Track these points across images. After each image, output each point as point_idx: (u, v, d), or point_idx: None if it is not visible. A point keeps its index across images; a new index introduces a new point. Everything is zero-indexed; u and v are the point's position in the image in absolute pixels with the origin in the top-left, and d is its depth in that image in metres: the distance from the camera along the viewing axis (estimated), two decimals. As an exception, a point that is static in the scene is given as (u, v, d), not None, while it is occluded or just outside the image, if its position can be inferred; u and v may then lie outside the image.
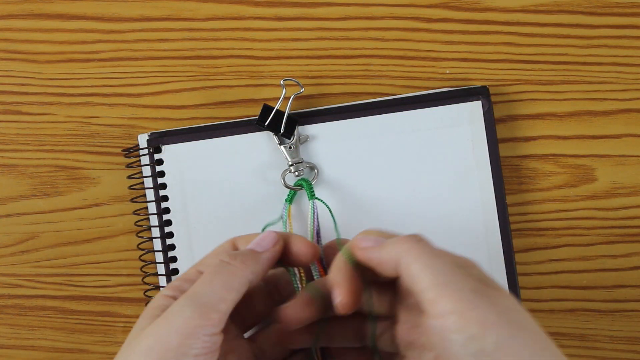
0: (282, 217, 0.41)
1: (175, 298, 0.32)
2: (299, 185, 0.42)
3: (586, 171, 0.45)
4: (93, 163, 0.46)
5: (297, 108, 0.45)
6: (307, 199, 0.41)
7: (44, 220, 0.47)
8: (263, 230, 0.37)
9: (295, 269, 0.36)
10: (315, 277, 0.37)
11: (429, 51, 0.45)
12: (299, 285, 0.36)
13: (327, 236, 0.43)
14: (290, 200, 0.42)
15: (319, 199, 0.42)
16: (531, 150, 0.45)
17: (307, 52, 0.45)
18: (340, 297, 0.32)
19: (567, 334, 0.45)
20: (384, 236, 0.33)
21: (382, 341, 0.35)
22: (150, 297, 0.44)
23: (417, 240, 0.30)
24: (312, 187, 0.42)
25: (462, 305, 0.27)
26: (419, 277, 0.29)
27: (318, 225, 0.40)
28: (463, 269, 0.29)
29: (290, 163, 0.42)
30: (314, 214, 0.40)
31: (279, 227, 0.41)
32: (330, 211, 0.41)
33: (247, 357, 0.34)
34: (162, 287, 0.44)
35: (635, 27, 0.44)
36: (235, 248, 0.36)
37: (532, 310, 0.44)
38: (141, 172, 0.45)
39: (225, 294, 0.31)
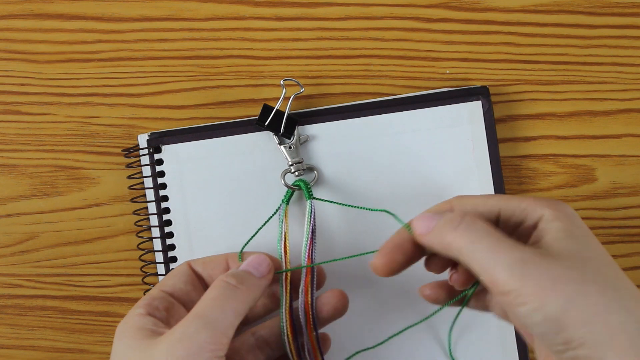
0: (278, 218, 0.41)
1: (150, 315, 0.34)
2: (296, 186, 0.42)
3: (586, 171, 0.45)
4: (93, 163, 0.46)
5: (297, 108, 0.45)
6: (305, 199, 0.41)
7: (44, 220, 0.47)
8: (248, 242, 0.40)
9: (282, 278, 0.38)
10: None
11: (429, 51, 0.45)
12: (284, 292, 0.38)
13: (323, 236, 0.43)
14: (287, 200, 0.42)
15: (317, 199, 0.42)
16: (531, 150, 0.45)
17: (307, 52, 0.45)
18: (374, 260, 0.34)
19: (567, 334, 0.45)
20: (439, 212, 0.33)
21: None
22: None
23: (457, 224, 0.31)
24: (310, 187, 0.42)
25: (514, 282, 0.28)
26: (470, 262, 0.30)
27: (314, 225, 0.40)
28: (509, 240, 0.29)
29: (290, 163, 0.42)
30: (311, 213, 0.40)
31: (274, 227, 0.41)
32: (333, 202, 0.42)
33: None
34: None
35: (635, 27, 0.44)
36: (190, 272, 0.38)
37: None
38: (141, 172, 0.45)
39: (234, 320, 0.32)
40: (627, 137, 0.44)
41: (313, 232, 0.40)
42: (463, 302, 0.36)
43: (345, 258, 0.40)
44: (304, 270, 0.39)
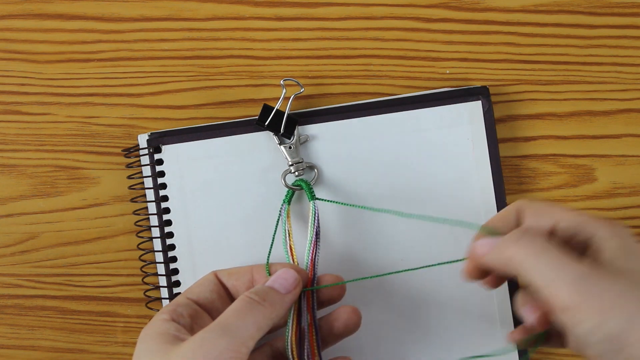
0: (280, 218, 0.41)
1: (174, 321, 0.34)
2: (297, 186, 0.42)
3: (586, 171, 0.45)
4: (93, 163, 0.46)
5: (297, 108, 0.45)
6: (308, 199, 0.41)
7: (44, 220, 0.47)
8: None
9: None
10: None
11: (429, 51, 0.45)
12: (293, 308, 0.38)
13: (327, 238, 0.43)
14: (288, 200, 0.42)
15: (320, 199, 0.42)
16: (531, 150, 0.45)
17: (307, 52, 0.45)
18: (464, 269, 0.36)
19: (567, 334, 0.45)
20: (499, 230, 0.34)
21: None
22: (150, 297, 0.44)
23: (517, 238, 0.31)
24: (312, 188, 0.42)
25: (574, 298, 0.28)
26: (531, 280, 0.30)
27: (318, 227, 0.40)
28: (570, 256, 0.29)
29: (290, 163, 0.42)
30: (314, 215, 0.40)
31: (277, 229, 0.41)
32: (336, 202, 0.42)
33: None
34: (163, 299, 0.44)
35: (635, 27, 0.44)
36: (216, 281, 0.38)
37: (532, 310, 0.44)
38: (141, 172, 0.45)
39: (254, 333, 0.33)
40: (627, 137, 0.44)
41: (317, 234, 0.40)
42: (534, 343, 0.35)
43: (378, 276, 0.40)
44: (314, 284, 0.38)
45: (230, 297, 0.39)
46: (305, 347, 0.37)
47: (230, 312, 0.33)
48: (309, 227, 0.40)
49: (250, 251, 0.43)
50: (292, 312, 0.37)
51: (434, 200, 0.43)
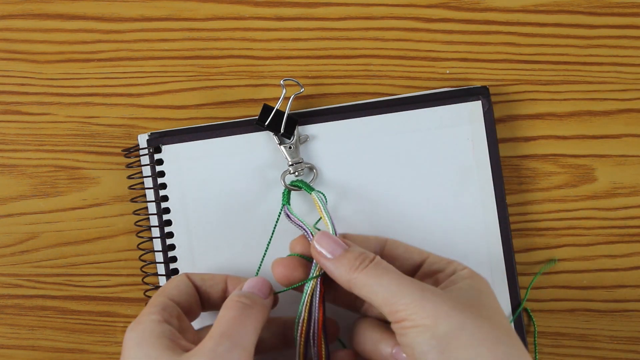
0: (296, 222, 0.40)
1: (167, 323, 0.34)
2: (294, 186, 0.42)
3: (586, 171, 0.45)
4: (93, 163, 0.46)
5: (297, 108, 0.45)
6: (307, 192, 0.41)
7: (44, 220, 0.47)
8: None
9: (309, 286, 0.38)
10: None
11: (429, 51, 0.45)
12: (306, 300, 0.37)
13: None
14: (287, 200, 0.41)
15: (319, 192, 0.41)
16: (531, 150, 0.45)
17: (307, 52, 0.45)
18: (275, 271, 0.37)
19: (567, 334, 0.45)
20: (344, 241, 0.36)
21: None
22: (150, 297, 0.44)
23: (359, 263, 0.34)
24: (308, 183, 0.42)
25: (413, 307, 0.31)
26: (372, 296, 0.33)
27: (329, 212, 0.39)
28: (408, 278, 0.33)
29: (290, 163, 0.42)
30: (322, 203, 0.39)
31: (278, 231, 0.41)
32: (325, 201, 0.41)
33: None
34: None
35: (635, 27, 0.44)
36: (190, 284, 0.38)
37: (532, 310, 0.45)
38: (141, 172, 0.45)
39: (254, 338, 0.33)
40: (627, 137, 0.44)
41: (331, 216, 0.39)
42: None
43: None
44: (317, 287, 0.38)
45: (203, 301, 0.39)
46: (311, 334, 0.37)
47: (229, 320, 0.33)
48: (325, 216, 0.38)
49: (250, 251, 0.43)
50: (304, 302, 0.37)
51: (433, 200, 0.43)
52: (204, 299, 0.39)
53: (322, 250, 0.35)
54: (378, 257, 0.34)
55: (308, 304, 0.37)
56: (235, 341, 0.32)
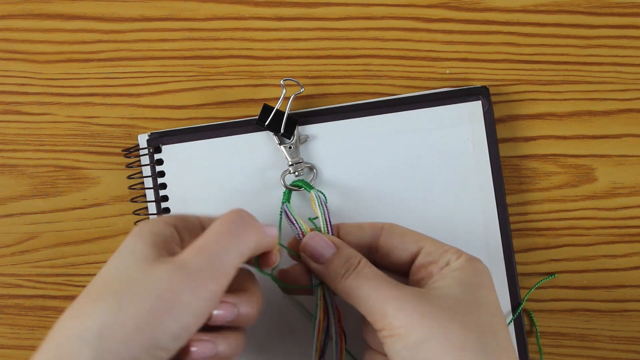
0: (286, 217, 0.41)
1: (176, 228, 0.32)
2: (294, 185, 0.42)
3: (586, 171, 0.45)
4: (93, 163, 0.46)
5: (297, 108, 0.45)
6: (306, 191, 0.41)
7: (44, 220, 0.47)
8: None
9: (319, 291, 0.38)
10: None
11: (429, 51, 0.45)
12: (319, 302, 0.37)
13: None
14: (287, 199, 0.41)
15: (319, 190, 0.41)
16: (531, 150, 0.45)
17: (307, 52, 0.45)
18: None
19: (567, 334, 0.45)
20: (332, 242, 0.36)
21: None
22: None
23: (345, 271, 0.34)
24: (309, 182, 0.42)
25: (389, 318, 0.31)
26: (356, 307, 0.33)
27: (328, 214, 0.39)
28: (391, 281, 0.33)
29: (290, 163, 0.42)
30: (321, 203, 0.39)
31: (281, 228, 0.41)
32: (324, 197, 0.41)
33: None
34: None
35: (635, 27, 0.44)
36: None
37: (532, 311, 0.45)
38: (141, 172, 0.45)
39: (236, 261, 0.31)
40: (627, 137, 0.44)
41: (329, 222, 0.39)
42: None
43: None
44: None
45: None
46: (333, 331, 0.37)
47: (213, 236, 0.31)
48: (320, 216, 0.39)
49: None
50: (317, 305, 0.37)
51: (433, 200, 0.43)
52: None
53: (312, 252, 0.35)
54: (362, 262, 0.34)
55: (322, 306, 0.37)
56: (212, 261, 0.30)
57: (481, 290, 0.33)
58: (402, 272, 0.36)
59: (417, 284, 0.35)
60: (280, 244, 0.38)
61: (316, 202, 0.39)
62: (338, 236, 0.37)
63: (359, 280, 0.33)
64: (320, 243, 0.36)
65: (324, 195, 0.41)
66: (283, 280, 0.37)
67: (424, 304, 0.31)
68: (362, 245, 0.37)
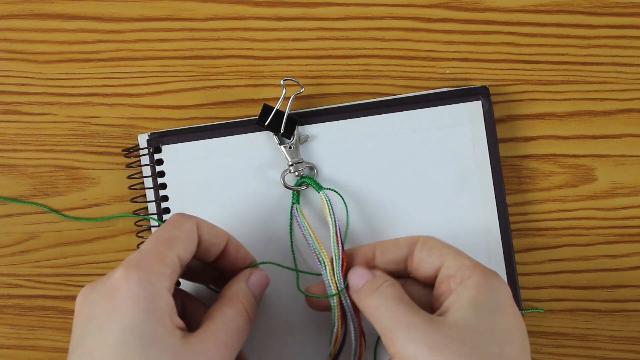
0: (295, 220, 0.41)
1: (171, 293, 0.33)
2: (301, 184, 0.42)
3: (586, 171, 0.45)
4: (93, 163, 0.46)
5: (297, 108, 0.45)
6: (316, 191, 0.41)
7: (44, 220, 0.46)
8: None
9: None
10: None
11: (429, 51, 0.45)
12: (337, 314, 0.38)
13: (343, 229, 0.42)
14: (297, 200, 0.42)
15: (330, 189, 0.41)
16: (531, 150, 0.45)
17: (307, 52, 0.45)
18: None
19: (567, 334, 0.45)
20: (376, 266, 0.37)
21: None
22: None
23: (370, 293, 0.35)
24: (317, 181, 0.42)
25: (400, 345, 0.31)
26: (375, 326, 0.34)
27: (334, 216, 0.40)
28: (407, 306, 0.33)
29: (290, 163, 0.42)
30: (330, 204, 0.40)
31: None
32: (343, 198, 0.42)
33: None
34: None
35: (635, 27, 0.44)
36: (196, 236, 0.36)
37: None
38: (141, 172, 0.45)
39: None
40: (627, 137, 0.44)
41: (337, 224, 0.39)
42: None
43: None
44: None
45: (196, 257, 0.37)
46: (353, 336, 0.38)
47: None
48: (329, 216, 0.39)
49: (250, 250, 0.43)
50: (335, 315, 0.38)
51: (433, 200, 0.43)
52: (198, 253, 0.36)
53: (353, 286, 0.37)
54: (385, 284, 0.35)
55: (340, 316, 0.38)
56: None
57: (496, 314, 0.32)
58: (431, 285, 0.36)
59: (439, 299, 0.35)
60: (299, 289, 0.40)
61: (326, 206, 0.40)
62: (374, 255, 0.38)
63: (380, 300, 0.34)
64: (361, 275, 0.37)
65: (338, 193, 0.41)
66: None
67: (434, 334, 0.31)
68: (399, 261, 0.37)
